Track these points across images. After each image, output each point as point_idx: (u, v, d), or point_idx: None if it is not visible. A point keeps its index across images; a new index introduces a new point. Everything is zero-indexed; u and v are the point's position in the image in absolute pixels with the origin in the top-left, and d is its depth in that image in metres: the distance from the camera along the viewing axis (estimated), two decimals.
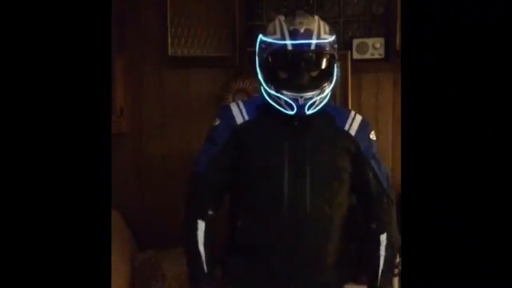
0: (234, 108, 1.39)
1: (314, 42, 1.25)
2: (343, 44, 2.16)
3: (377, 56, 2.11)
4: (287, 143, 1.32)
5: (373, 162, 1.38)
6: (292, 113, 1.28)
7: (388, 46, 2.10)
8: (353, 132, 1.37)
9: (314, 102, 1.27)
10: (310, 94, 1.26)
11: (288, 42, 1.25)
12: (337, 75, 1.33)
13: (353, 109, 2.16)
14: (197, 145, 1.54)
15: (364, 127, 1.39)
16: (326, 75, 1.30)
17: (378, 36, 2.12)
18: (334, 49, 1.31)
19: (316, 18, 1.31)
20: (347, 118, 1.39)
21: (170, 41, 2.30)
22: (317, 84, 1.27)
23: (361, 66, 2.15)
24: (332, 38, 1.29)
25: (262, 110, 1.36)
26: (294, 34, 1.25)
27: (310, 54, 1.27)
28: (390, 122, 2.15)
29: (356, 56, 2.13)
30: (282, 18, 1.31)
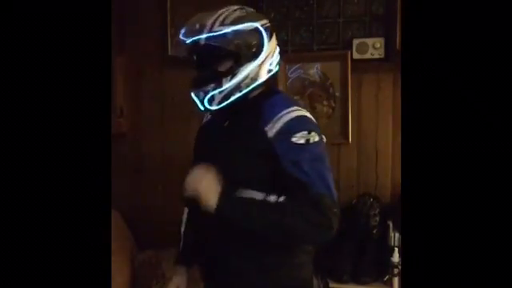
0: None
1: (203, 36, 1.20)
2: (343, 44, 2.17)
3: (377, 56, 2.11)
4: None
5: (291, 168, 1.15)
6: (201, 109, 1.27)
7: (388, 45, 2.10)
8: (271, 133, 1.18)
9: (213, 96, 1.23)
10: (203, 89, 1.23)
11: (181, 39, 1.24)
12: (252, 67, 1.22)
13: (353, 109, 2.18)
14: None
15: (287, 128, 1.18)
16: (227, 68, 1.23)
17: (378, 36, 2.11)
18: (239, 39, 1.20)
19: (220, 11, 1.23)
20: (276, 115, 1.19)
21: (170, 41, 2.30)
22: (214, 78, 1.23)
23: (361, 66, 2.15)
24: (231, 29, 1.19)
25: None
26: (187, 32, 1.23)
27: (200, 49, 1.24)
28: (389, 122, 2.15)
29: (356, 56, 2.13)
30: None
